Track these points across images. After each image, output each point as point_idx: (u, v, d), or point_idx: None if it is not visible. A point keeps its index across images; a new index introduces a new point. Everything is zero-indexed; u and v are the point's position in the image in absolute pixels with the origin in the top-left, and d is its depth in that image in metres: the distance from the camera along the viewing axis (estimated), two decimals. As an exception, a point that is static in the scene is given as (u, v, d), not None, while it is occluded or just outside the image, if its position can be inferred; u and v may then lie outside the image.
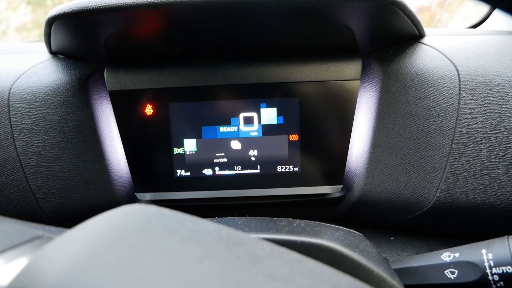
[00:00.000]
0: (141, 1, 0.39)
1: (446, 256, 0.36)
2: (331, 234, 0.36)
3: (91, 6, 0.40)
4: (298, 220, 0.39)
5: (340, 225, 0.43)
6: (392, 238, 0.56)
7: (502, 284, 0.33)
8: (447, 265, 0.36)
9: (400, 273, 0.38)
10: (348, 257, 0.32)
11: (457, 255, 0.36)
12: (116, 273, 0.17)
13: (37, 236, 0.24)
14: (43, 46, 0.56)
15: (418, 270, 0.37)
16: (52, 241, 0.19)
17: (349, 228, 0.47)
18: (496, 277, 0.33)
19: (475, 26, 0.75)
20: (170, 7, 0.40)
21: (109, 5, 0.40)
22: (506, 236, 0.34)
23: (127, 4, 0.39)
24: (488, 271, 0.33)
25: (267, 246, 0.21)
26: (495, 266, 0.33)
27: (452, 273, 0.35)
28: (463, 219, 0.50)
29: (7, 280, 0.19)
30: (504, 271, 0.32)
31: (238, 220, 0.38)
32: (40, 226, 0.27)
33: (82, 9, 0.41)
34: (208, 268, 0.18)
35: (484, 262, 0.34)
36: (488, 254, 0.34)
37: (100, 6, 0.40)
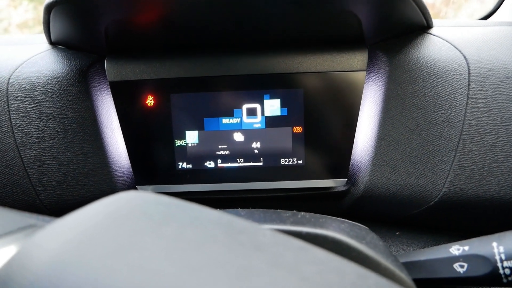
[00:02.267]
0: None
1: (455, 249, 0.35)
2: (337, 225, 0.35)
3: None
4: (303, 212, 0.38)
5: (345, 219, 0.42)
6: (398, 233, 0.55)
7: None
8: (456, 258, 0.35)
9: (407, 266, 0.37)
10: (355, 248, 0.31)
11: (466, 248, 0.35)
12: (109, 259, 0.16)
13: (30, 225, 0.23)
14: (42, 38, 0.55)
15: (426, 264, 0.36)
16: (43, 228, 0.18)
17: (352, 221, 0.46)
18: (507, 271, 0.32)
19: (485, 18, 0.74)
20: None
21: None
22: None
23: None
24: (499, 264, 0.32)
25: (270, 233, 0.20)
26: (506, 259, 0.32)
27: (462, 266, 0.34)
28: (471, 213, 0.48)
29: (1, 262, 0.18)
30: (516, 264, 0.31)
31: (241, 211, 0.37)
32: (34, 215, 0.27)
33: None
34: (207, 254, 0.17)
35: (495, 256, 0.32)
36: (499, 247, 0.33)
37: None
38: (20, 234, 0.22)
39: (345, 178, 0.54)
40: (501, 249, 0.33)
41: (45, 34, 0.53)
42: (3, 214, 0.24)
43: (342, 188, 0.55)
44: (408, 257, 0.38)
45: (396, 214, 0.54)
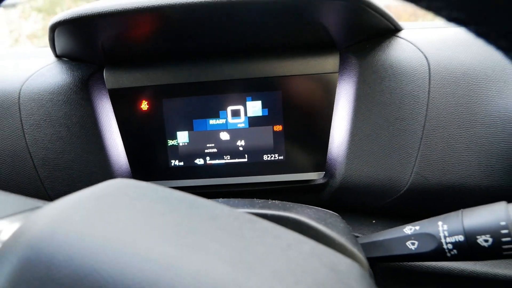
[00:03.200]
0: (129, 7, 0.44)
1: (408, 229, 0.40)
2: (302, 210, 0.40)
3: (85, 12, 0.45)
4: (275, 200, 0.43)
5: (318, 207, 0.46)
6: (374, 221, 0.60)
7: (456, 252, 0.36)
8: (408, 237, 0.39)
9: (368, 246, 0.41)
10: (312, 227, 0.36)
11: (417, 228, 0.39)
12: (93, 223, 0.20)
13: (37, 207, 0.28)
14: (49, 51, 0.62)
15: (384, 243, 0.41)
16: (45, 206, 0.23)
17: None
18: (450, 246, 0.36)
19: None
20: (157, 10, 0.45)
21: (100, 11, 0.45)
22: (461, 210, 0.37)
23: (117, 10, 0.44)
24: (443, 240, 0.36)
25: (227, 209, 0.25)
26: (449, 235, 0.36)
27: (413, 244, 0.39)
28: (437, 200, 0.53)
29: (6, 236, 0.23)
30: (457, 240, 0.36)
31: (220, 200, 0.42)
32: (41, 201, 0.32)
33: (77, 15, 0.46)
34: (167, 220, 0.22)
35: (439, 233, 0.37)
36: (443, 225, 0.37)
37: (92, 13, 0.45)
38: (28, 213, 0.27)
39: (323, 171, 0.59)
40: (445, 227, 0.37)
41: (51, 49, 0.59)
42: (14, 198, 0.29)
43: (321, 181, 0.59)
44: (369, 238, 0.42)
45: (371, 204, 0.58)
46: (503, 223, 0.33)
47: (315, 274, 0.20)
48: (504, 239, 0.33)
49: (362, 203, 0.60)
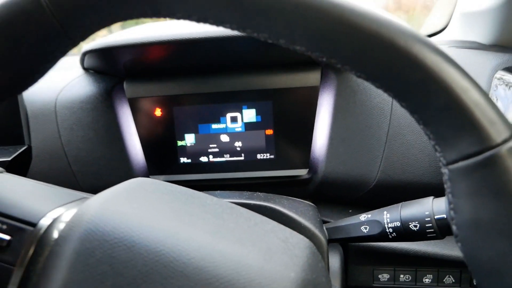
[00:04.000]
0: (145, 41, 0.55)
1: (363, 217, 0.50)
2: (279, 201, 0.51)
3: (112, 44, 0.57)
4: (261, 193, 0.54)
5: (311, 202, 0.57)
6: (350, 211, 0.71)
7: (395, 235, 0.47)
8: (362, 223, 0.50)
9: (332, 230, 0.52)
10: (284, 213, 0.47)
11: (369, 216, 0.50)
12: (130, 209, 0.25)
13: (84, 197, 0.32)
14: (76, 61, 0.73)
15: (344, 228, 0.52)
16: (91, 198, 0.27)
17: (318, 204, 0.62)
18: (390, 230, 0.47)
19: (434, 34, 0.86)
20: (168, 43, 0.56)
21: (124, 43, 0.56)
22: (401, 203, 0.48)
23: (137, 43, 0.56)
24: (386, 226, 0.47)
25: (215, 199, 0.31)
26: (390, 222, 0.47)
27: (365, 228, 0.49)
28: (399, 194, 0.63)
29: (67, 219, 0.26)
30: (395, 225, 0.46)
31: (217, 192, 0.54)
32: (84, 193, 0.36)
33: (106, 46, 0.57)
34: (175, 206, 0.27)
35: (384, 220, 0.48)
36: (387, 214, 0.48)
37: (117, 44, 0.56)
38: (78, 202, 0.31)
39: (307, 168, 0.70)
40: (388, 215, 0.48)
41: (80, 64, 0.71)
42: (65, 191, 0.33)
43: (306, 176, 0.70)
44: (334, 224, 0.53)
45: (348, 196, 0.69)
46: (427, 213, 0.44)
47: (269, 242, 0.26)
48: (427, 225, 0.43)
49: (340, 195, 0.71)
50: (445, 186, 0.21)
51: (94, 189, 0.71)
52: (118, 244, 0.23)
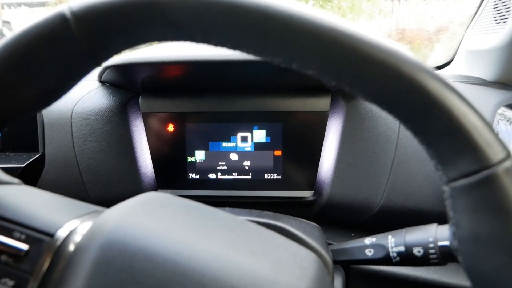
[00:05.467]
0: (167, 60, 0.58)
1: (368, 240, 0.52)
2: (287, 220, 0.52)
3: (131, 61, 0.59)
4: (270, 212, 0.56)
5: (303, 219, 0.59)
6: (353, 234, 0.72)
7: (399, 259, 0.48)
8: (367, 246, 0.51)
9: (337, 252, 0.53)
10: (292, 232, 0.48)
11: (374, 239, 0.51)
12: (146, 224, 0.25)
13: (97, 210, 0.32)
14: (94, 73, 0.75)
15: (349, 250, 0.53)
16: (104, 211, 0.28)
17: (321, 226, 0.63)
18: (394, 254, 0.48)
19: (440, 67, 0.90)
20: (184, 63, 0.59)
21: (142, 61, 0.59)
22: (406, 228, 0.50)
23: (155, 61, 0.58)
24: (390, 250, 0.49)
25: (227, 214, 0.30)
26: (395, 246, 0.48)
27: (370, 252, 0.51)
28: (402, 219, 0.65)
29: (83, 231, 0.27)
30: (399, 250, 0.48)
31: (226, 208, 0.55)
32: (96, 206, 0.36)
33: (126, 63, 0.60)
34: (185, 220, 0.28)
35: (388, 244, 0.49)
36: (391, 239, 0.49)
37: (137, 61, 0.59)
38: (92, 214, 0.31)
39: (313, 190, 0.72)
40: (392, 240, 0.49)
41: (98, 77, 0.73)
42: (78, 203, 0.33)
43: (311, 198, 0.72)
44: (339, 246, 0.55)
45: (351, 219, 0.71)
46: (431, 239, 0.45)
47: (279, 255, 0.27)
48: (430, 251, 0.45)
49: (343, 218, 0.72)
50: (446, 203, 0.23)
51: (103, 200, 0.73)
52: (138, 254, 0.23)
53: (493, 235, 0.21)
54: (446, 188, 0.23)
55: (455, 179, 0.22)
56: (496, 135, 0.22)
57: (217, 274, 0.24)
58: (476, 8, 0.80)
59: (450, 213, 0.23)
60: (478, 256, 0.22)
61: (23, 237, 0.26)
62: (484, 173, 0.21)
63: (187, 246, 0.25)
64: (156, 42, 0.28)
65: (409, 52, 0.23)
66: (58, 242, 0.26)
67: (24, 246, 0.26)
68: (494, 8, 0.72)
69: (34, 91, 0.28)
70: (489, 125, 0.22)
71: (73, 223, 0.28)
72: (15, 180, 0.33)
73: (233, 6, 0.23)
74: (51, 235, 0.26)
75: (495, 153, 0.21)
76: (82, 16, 0.25)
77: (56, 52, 0.26)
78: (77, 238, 0.26)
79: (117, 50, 0.27)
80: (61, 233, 0.27)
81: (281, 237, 0.31)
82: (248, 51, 0.24)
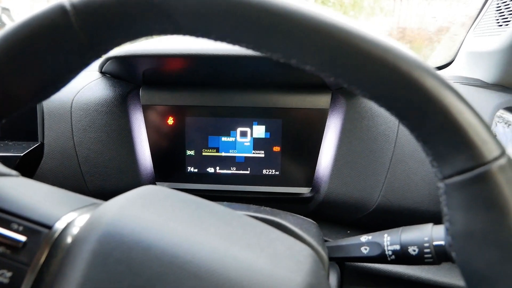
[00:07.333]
0: (169, 53, 0.58)
1: (364, 238, 0.52)
2: (285, 216, 0.53)
3: (133, 53, 0.59)
4: (267, 207, 0.56)
5: (300, 215, 0.59)
6: (349, 231, 0.73)
7: (394, 257, 0.48)
8: (362, 244, 0.51)
9: (333, 248, 0.54)
10: (289, 228, 0.48)
11: (370, 237, 0.52)
12: (142, 217, 0.26)
13: (94, 203, 0.32)
14: (95, 65, 0.75)
15: (345, 247, 0.53)
16: (103, 204, 0.28)
17: (317, 222, 0.64)
18: (390, 252, 0.49)
19: (442, 67, 0.90)
20: (186, 56, 0.59)
21: (143, 53, 0.59)
22: (401, 227, 0.50)
23: (157, 53, 0.58)
24: (385, 248, 0.49)
25: (224, 208, 0.31)
26: (390, 245, 0.49)
27: (366, 249, 0.51)
28: (397, 219, 0.65)
29: (81, 223, 0.27)
30: (394, 248, 0.48)
31: (224, 203, 0.56)
32: (94, 199, 0.36)
33: (128, 54, 0.59)
34: (183, 213, 0.28)
35: (384, 242, 0.49)
36: (387, 237, 0.50)
37: (139, 53, 0.59)
38: (90, 207, 0.31)
39: (310, 187, 0.72)
40: (388, 238, 0.50)
41: (98, 68, 0.73)
42: (76, 196, 0.33)
43: (308, 195, 0.72)
44: (335, 243, 0.55)
45: (347, 217, 0.71)
46: (426, 238, 0.46)
47: (275, 249, 0.27)
48: (425, 250, 0.45)
49: (340, 216, 0.73)
50: (441, 199, 0.24)
51: (101, 191, 0.73)
52: (136, 246, 0.23)
53: (486, 232, 0.21)
54: (441, 185, 0.23)
55: (450, 175, 0.22)
56: (491, 132, 0.22)
57: (213, 267, 0.24)
58: (478, 10, 0.81)
59: (445, 210, 0.23)
60: (471, 252, 0.22)
61: (21, 228, 0.26)
62: (479, 170, 0.21)
63: (184, 239, 0.25)
64: (156, 35, 0.28)
65: (407, 49, 0.23)
66: (56, 234, 0.26)
67: (22, 238, 0.26)
68: (497, 10, 0.72)
69: (34, 83, 0.28)
70: (484, 123, 0.22)
71: (71, 215, 0.28)
72: (13, 172, 0.33)
73: (233, 0, 0.23)
74: (49, 227, 0.26)
75: (490, 150, 0.21)
76: (82, 8, 0.25)
77: (55, 44, 0.26)
78: (75, 230, 0.26)
79: (117, 43, 0.27)
80: (59, 225, 0.27)
81: (278, 231, 0.31)
82: (247, 46, 0.24)
